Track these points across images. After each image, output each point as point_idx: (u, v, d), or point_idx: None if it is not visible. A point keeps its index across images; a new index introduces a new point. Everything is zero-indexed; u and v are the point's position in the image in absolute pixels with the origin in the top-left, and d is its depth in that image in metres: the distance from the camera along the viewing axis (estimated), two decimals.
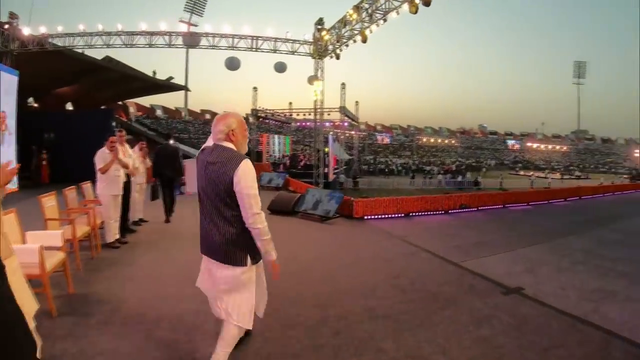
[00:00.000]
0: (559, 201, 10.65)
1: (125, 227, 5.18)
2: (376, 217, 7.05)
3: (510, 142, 67.07)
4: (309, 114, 18.38)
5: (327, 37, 13.61)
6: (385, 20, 10.92)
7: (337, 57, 14.06)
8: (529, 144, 66.15)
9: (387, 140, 61.68)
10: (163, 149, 6.70)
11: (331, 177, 18.23)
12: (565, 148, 64.42)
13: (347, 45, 13.21)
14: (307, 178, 14.56)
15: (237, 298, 1.91)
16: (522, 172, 42.17)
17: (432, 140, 71.23)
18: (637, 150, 54.55)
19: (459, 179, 26.31)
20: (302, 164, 21.69)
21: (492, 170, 43.09)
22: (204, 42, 15.16)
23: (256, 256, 1.94)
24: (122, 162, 4.63)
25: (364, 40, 11.64)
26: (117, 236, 4.73)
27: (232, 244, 1.84)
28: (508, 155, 62.71)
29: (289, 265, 3.22)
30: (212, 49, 15.16)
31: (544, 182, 30.02)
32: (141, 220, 6.13)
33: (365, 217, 6.95)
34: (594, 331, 2.70)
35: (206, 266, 2.00)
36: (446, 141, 71.17)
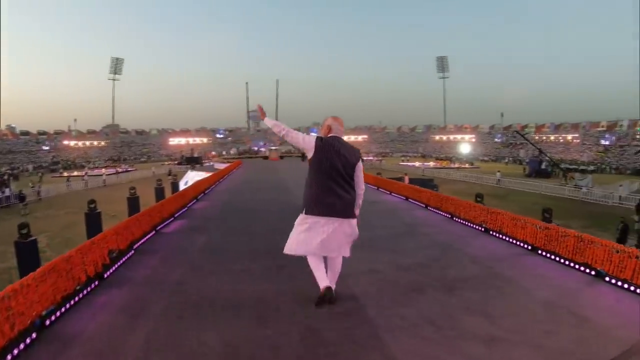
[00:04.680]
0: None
1: None
2: None
3: (46, 143, 60.88)
4: None
5: None
6: None
7: None
8: (65, 142, 63.24)
9: None
10: None
11: None
12: (103, 143, 65.86)
13: None
14: None
15: (351, 240, 2.82)
16: (66, 173, 39.24)
17: None
18: (171, 139, 67.10)
19: (7, 193, 21.39)
20: None
21: (34, 175, 37.40)
22: None
23: None
24: None
25: None
26: None
27: (353, 204, 2.75)
28: (45, 156, 57.18)
29: None
30: None
31: (98, 180, 30.28)
32: None
33: None
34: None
35: (329, 225, 2.64)
36: None
